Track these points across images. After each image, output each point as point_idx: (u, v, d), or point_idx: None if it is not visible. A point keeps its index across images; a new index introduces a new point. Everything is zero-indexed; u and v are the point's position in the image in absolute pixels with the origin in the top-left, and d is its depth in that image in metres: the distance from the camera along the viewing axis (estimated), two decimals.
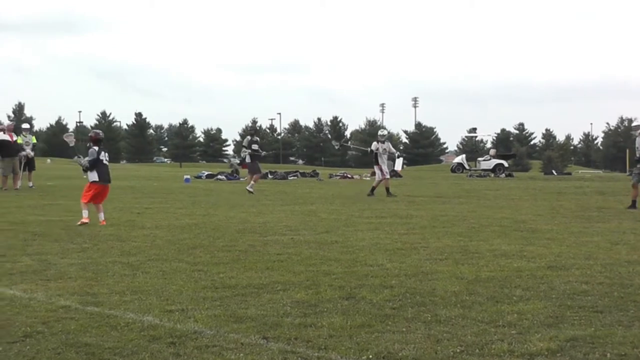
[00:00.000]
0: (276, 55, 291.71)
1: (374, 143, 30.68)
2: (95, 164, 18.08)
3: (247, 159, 32.66)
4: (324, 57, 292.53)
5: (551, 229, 16.77)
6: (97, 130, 19.20)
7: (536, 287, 9.83)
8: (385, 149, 30.79)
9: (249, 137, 33.72)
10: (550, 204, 25.03)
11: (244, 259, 12.31)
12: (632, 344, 6.97)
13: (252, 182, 31.49)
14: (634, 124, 25.52)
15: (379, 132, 32.23)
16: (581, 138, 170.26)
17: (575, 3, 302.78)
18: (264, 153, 33.92)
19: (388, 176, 30.81)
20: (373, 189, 30.26)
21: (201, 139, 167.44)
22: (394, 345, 6.96)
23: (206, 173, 49.70)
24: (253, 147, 32.49)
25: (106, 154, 18.43)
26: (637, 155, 23.32)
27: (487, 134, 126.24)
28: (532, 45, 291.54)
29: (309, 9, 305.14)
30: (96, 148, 18.12)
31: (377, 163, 30.28)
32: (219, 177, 46.09)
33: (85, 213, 17.47)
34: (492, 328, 7.61)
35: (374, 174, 32.75)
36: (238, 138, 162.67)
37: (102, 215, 17.74)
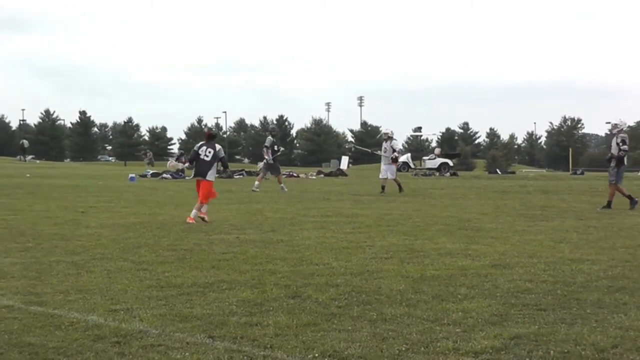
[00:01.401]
0: (222, 54, 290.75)
1: (383, 143, 31.53)
2: (195, 159, 18.53)
3: (268, 158, 32.96)
4: (269, 56, 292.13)
5: (495, 228, 16.90)
6: (211, 127, 19.39)
7: (481, 285, 9.91)
8: (385, 148, 31.53)
9: (270, 138, 33.99)
10: (495, 203, 25.22)
11: (189, 257, 12.27)
12: (574, 342, 7.05)
13: (280, 183, 32.22)
14: (612, 122, 25.78)
15: (383, 131, 33.09)
16: (525, 137, 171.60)
17: (521, 5, 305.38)
18: (280, 153, 34.61)
19: (384, 176, 31.37)
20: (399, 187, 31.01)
21: (146, 138, 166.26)
22: (340, 344, 6.98)
23: (151, 172, 49.35)
24: (274, 148, 33.10)
25: (210, 150, 18.59)
26: (609, 155, 23.68)
27: (432, 133, 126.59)
28: (477, 45, 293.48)
29: (253, 8, 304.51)
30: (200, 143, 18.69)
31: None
32: (164, 175, 45.79)
33: (193, 212, 17.94)
34: (437, 326, 7.66)
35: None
36: (183, 137, 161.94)
37: (204, 208, 18.18)
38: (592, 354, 6.72)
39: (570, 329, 7.52)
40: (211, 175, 18.53)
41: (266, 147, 33.18)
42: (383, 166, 31.53)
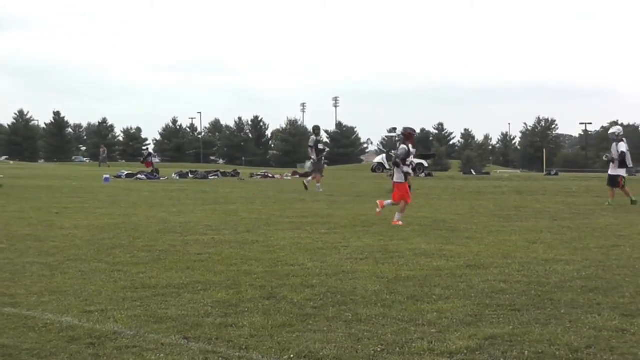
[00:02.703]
0: (197, 55, 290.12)
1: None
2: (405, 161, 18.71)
3: (314, 158, 33.54)
4: (245, 57, 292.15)
5: (470, 228, 16.95)
6: (411, 127, 19.52)
7: (455, 285, 9.93)
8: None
9: (314, 137, 34.40)
10: (469, 204, 25.29)
11: (164, 258, 12.24)
12: (549, 342, 7.08)
13: (317, 183, 32.72)
14: (610, 131, 26.28)
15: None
16: (499, 138, 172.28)
17: (495, 7, 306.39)
18: (326, 152, 34.84)
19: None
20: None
21: (121, 138, 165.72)
22: (315, 345, 6.98)
23: (126, 172, 49.14)
24: (319, 147, 33.57)
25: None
26: (605, 158, 23.99)
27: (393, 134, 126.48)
28: (452, 47, 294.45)
29: (229, 8, 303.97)
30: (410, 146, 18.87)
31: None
32: (139, 176, 45.65)
33: (397, 216, 18.19)
34: (412, 327, 7.68)
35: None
36: (158, 137, 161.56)
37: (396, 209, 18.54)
38: (566, 354, 6.75)
39: (544, 329, 7.56)
40: (397, 177, 18.82)
41: (310, 146, 33.94)
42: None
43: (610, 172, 25.38)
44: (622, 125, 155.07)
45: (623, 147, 24.91)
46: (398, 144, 32.38)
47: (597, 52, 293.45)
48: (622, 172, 25.03)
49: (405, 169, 18.50)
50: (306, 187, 32.07)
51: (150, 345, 7.00)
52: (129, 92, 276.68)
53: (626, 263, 11.84)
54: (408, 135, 19.06)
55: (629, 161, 25.12)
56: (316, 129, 35.58)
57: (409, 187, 17.27)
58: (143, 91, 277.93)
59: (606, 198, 24.98)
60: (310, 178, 33.36)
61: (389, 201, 18.96)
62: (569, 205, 24.43)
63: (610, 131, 27.01)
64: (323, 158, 34.05)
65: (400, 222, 17.72)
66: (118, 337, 7.29)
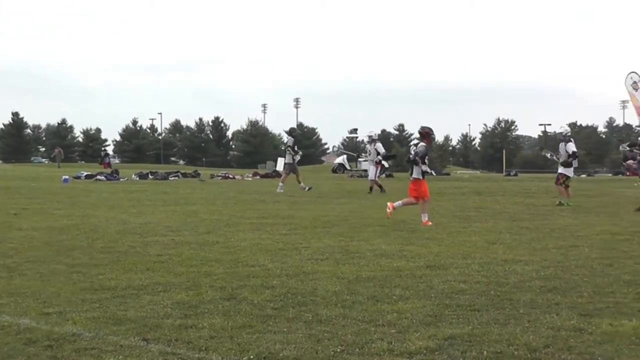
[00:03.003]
0: (156, 55, 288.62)
1: (367, 145, 33.08)
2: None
3: (290, 160, 34.29)
4: (205, 57, 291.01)
5: (430, 229, 17.02)
6: (428, 126, 19.51)
7: (415, 286, 9.97)
8: (370, 151, 33.56)
9: (292, 138, 35.00)
10: (430, 204, 25.35)
11: (123, 260, 12.18)
12: (507, 342, 7.12)
13: (281, 183, 33.20)
14: (558, 130, 26.70)
15: (367, 134, 34.16)
16: (459, 139, 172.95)
17: (453, 9, 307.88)
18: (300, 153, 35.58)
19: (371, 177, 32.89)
20: (380, 187, 32.40)
21: (80, 139, 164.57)
22: (275, 346, 6.98)
23: (85, 173, 48.85)
24: (295, 148, 34.27)
25: (414, 148, 19.28)
26: (549, 156, 24.12)
27: (368, 135, 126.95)
28: (411, 47, 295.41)
29: (188, 7, 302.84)
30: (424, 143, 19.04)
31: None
32: (99, 177, 45.40)
33: (425, 217, 18.37)
34: (372, 327, 7.69)
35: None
36: (118, 138, 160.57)
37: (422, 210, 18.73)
38: (524, 353, 6.79)
39: (503, 329, 7.60)
40: (415, 173, 19.13)
41: (289, 147, 34.49)
42: (369, 168, 33.48)
43: (558, 170, 25.69)
44: (580, 126, 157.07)
45: (573, 147, 25.24)
46: (370, 144, 32.76)
47: (557, 53, 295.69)
48: (569, 171, 25.30)
49: (424, 167, 18.65)
50: (380, 188, 32.50)
51: (109, 347, 6.96)
52: (88, 92, 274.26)
53: (584, 263, 11.93)
54: (425, 134, 19.29)
55: (575, 162, 25.58)
56: (293, 131, 35.98)
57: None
58: (102, 92, 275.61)
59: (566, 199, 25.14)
60: (281, 182, 33.50)
61: (400, 202, 19.10)
62: (527, 205, 24.61)
63: (559, 131, 27.37)
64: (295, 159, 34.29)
65: (430, 222, 17.95)
66: (77, 339, 7.24)
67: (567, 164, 25.19)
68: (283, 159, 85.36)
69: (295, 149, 34.23)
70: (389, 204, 19.38)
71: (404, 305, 8.69)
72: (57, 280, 10.34)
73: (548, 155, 27.44)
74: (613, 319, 8.03)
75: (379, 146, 32.98)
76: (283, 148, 33.90)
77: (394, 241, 14.71)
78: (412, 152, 18.96)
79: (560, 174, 25.19)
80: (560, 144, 25.84)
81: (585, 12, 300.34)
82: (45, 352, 6.82)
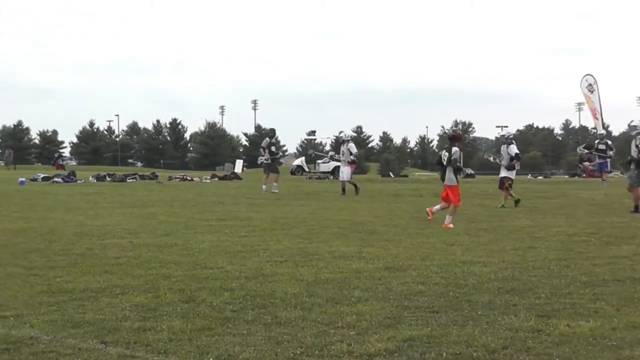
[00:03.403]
0: (113, 55, 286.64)
1: (341, 146, 33.68)
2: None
3: (267, 161, 34.32)
4: (162, 59, 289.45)
5: (389, 231, 17.06)
6: (459, 129, 19.68)
7: (374, 288, 9.99)
8: (343, 151, 33.10)
9: (267, 139, 35.06)
10: (388, 206, 25.43)
11: (81, 262, 12.11)
12: (466, 343, 7.16)
13: (275, 183, 33.71)
14: (632, 123, 26.74)
15: (341, 134, 34.61)
16: (417, 141, 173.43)
17: (409, 10, 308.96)
18: (280, 155, 35.50)
19: (343, 178, 32.98)
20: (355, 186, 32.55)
21: (36, 141, 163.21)
22: (235, 348, 6.97)
23: (42, 175, 48.44)
24: (272, 149, 34.32)
25: (446, 153, 19.12)
26: (628, 158, 23.63)
27: (326, 137, 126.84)
28: (369, 48, 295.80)
29: (144, 7, 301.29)
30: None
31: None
32: (55, 179, 45.02)
33: (448, 219, 18.55)
34: (331, 329, 7.70)
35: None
36: (75, 140, 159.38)
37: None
38: (483, 355, 6.83)
39: (462, 331, 7.64)
40: (449, 180, 18.98)
41: (263, 148, 34.75)
42: (342, 168, 33.28)
43: (500, 174, 25.81)
44: (537, 128, 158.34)
45: (515, 149, 25.43)
46: (344, 145, 32.95)
47: (513, 55, 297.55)
48: (512, 174, 25.46)
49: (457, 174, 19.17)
50: (355, 189, 32.56)
51: (67, 350, 6.92)
52: (44, 94, 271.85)
53: (541, 264, 12.03)
54: (458, 136, 19.54)
55: (518, 164, 25.85)
56: (271, 132, 36.14)
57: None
58: (58, 93, 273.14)
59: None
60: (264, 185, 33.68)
61: (438, 206, 19.29)
62: (485, 207, 24.72)
63: (501, 134, 27.59)
64: (273, 160, 34.59)
65: (452, 225, 18.06)
66: (34, 342, 7.19)
67: (510, 167, 25.36)
68: (241, 161, 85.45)
69: (272, 149, 34.50)
70: (428, 209, 19.51)
71: (363, 307, 8.71)
72: (13, 283, 10.26)
73: (491, 158, 27.75)
74: (570, 320, 8.11)
75: (352, 146, 33.18)
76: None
77: (353, 243, 14.73)
78: (447, 158, 18.92)
79: (505, 177, 25.27)
80: (502, 147, 26.03)
81: (540, 14, 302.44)
82: (2, 356, 6.77)
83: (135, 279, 10.63)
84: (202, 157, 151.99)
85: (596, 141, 40.89)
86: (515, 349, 7.03)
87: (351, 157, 32.71)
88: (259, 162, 34.62)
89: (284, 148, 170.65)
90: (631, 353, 6.95)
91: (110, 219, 19.44)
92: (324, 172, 64.91)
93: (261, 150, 34.76)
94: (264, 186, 33.26)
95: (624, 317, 8.28)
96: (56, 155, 67.67)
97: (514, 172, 25.73)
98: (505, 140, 26.17)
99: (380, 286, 10.12)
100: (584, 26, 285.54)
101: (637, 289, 9.97)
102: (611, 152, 39.64)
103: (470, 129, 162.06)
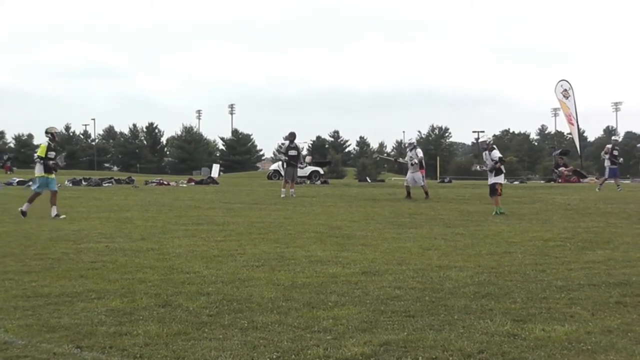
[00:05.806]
0: (90, 60, 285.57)
1: (408, 151, 33.73)
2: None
3: (284, 165, 34.54)
4: (139, 63, 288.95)
5: (365, 235, 17.06)
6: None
7: (351, 292, 10.00)
8: (411, 157, 33.22)
9: (287, 143, 34.91)
10: (365, 211, 25.43)
11: (56, 267, 12.06)
12: (442, 347, 7.18)
13: (282, 188, 33.63)
14: (481, 139, 26.87)
15: (407, 140, 34.78)
16: (394, 146, 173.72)
17: (385, 14, 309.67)
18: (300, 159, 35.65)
19: (410, 183, 33.47)
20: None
21: (12, 145, 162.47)
22: (211, 353, 6.96)
23: (17, 180, 48.24)
24: (290, 153, 34.13)
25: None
26: (479, 169, 24.23)
27: (303, 141, 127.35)
28: (345, 53, 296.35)
29: (120, 9, 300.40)
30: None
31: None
32: (31, 184, 44.81)
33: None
34: (308, 334, 7.71)
35: None
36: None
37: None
38: (459, 359, 6.85)
39: (438, 335, 7.65)
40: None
41: (281, 152, 35.28)
42: (409, 174, 33.57)
43: (489, 181, 25.70)
44: (513, 133, 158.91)
45: (498, 153, 25.33)
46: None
47: (489, 61, 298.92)
48: (500, 179, 25.38)
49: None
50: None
51: (42, 355, 6.90)
52: (19, 97, 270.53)
53: (517, 269, 12.06)
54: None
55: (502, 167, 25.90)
56: (291, 136, 35.74)
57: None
58: (33, 97, 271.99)
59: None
60: (284, 188, 33.60)
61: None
62: (462, 212, 24.76)
63: (481, 140, 27.50)
64: (294, 164, 34.50)
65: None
66: (9, 347, 7.16)
67: (497, 172, 25.27)
68: (218, 165, 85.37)
69: (291, 153, 34.30)
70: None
71: (339, 312, 8.72)
72: None
73: (478, 168, 27.74)
74: (546, 324, 8.14)
75: (419, 151, 33.35)
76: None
77: (330, 247, 14.73)
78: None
79: (496, 183, 25.16)
80: (484, 153, 25.88)
81: (515, 19, 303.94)
82: None
83: (111, 283, 10.60)
84: (179, 161, 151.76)
85: (608, 145, 40.75)
86: (491, 353, 7.05)
87: (414, 161, 32.84)
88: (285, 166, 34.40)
89: (261, 152, 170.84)
90: (606, 357, 6.99)
91: (86, 224, 19.36)
92: (301, 177, 64.86)
93: (280, 154, 34.56)
94: (283, 189, 33.55)
95: (599, 322, 8.32)
96: (5, 157, 66.85)
97: (502, 176, 25.59)
98: (486, 146, 26.05)
99: (356, 291, 10.13)
100: (559, 31, 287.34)
101: (612, 293, 10.02)
102: (621, 159, 40.19)
103: (447, 134, 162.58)
